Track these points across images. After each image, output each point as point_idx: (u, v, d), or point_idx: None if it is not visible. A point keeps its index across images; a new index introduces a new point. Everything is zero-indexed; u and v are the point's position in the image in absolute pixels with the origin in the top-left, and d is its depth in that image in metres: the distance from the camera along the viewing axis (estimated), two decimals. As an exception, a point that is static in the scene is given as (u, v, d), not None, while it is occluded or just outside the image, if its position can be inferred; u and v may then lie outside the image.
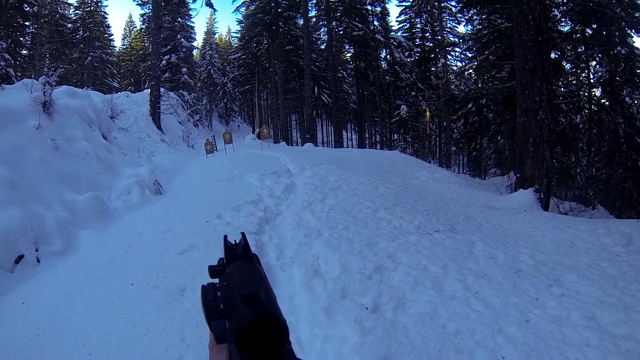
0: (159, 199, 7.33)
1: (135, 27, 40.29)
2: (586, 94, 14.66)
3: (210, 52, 35.91)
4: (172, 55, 28.76)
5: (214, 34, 48.76)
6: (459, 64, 25.03)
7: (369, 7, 26.09)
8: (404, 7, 26.46)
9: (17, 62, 20.77)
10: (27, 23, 22.41)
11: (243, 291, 0.47)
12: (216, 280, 0.54)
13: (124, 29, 43.12)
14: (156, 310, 3.41)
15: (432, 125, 25.62)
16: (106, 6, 39.05)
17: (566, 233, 4.78)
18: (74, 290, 3.87)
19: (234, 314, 0.47)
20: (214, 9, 20.25)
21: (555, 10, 13.55)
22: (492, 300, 3.33)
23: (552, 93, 8.49)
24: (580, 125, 14.88)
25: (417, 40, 26.23)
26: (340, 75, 29.92)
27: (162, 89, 18.08)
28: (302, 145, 21.78)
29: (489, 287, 3.53)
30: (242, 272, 0.54)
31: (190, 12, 30.37)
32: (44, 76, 8.13)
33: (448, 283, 3.64)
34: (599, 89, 14.68)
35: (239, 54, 35.31)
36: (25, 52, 22.79)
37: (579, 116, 14.70)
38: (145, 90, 21.01)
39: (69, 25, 30.17)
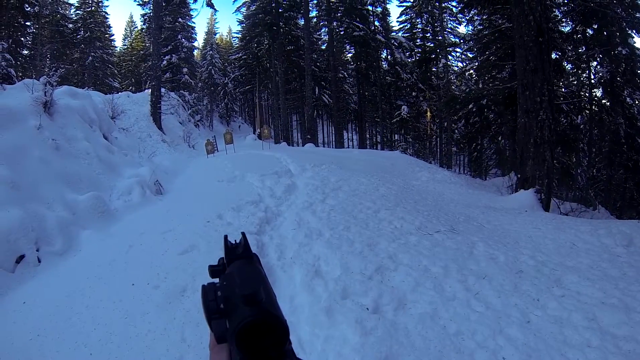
0: (160, 199, 7.34)
1: (136, 27, 40.41)
2: (587, 95, 14.66)
3: (211, 52, 35.94)
4: (173, 55, 28.79)
5: (215, 34, 48.86)
6: (459, 64, 25.08)
7: (370, 8, 26.10)
8: (404, 7, 26.50)
9: (18, 62, 20.79)
10: (28, 23, 22.44)
11: (243, 291, 0.47)
12: (216, 280, 0.54)
13: (125, 29, 43.26)
14: (157, 310, 3.41)
15: (432, 126, 25.62)
16: (107, 6, 39.21)
17: (567, 234, 4.78)
18: (75, 290, 3.88)
19: (234, 313, 0.47)
20: (215, 9, 20.32)
21: (556, 11, 13.56)
22: (493, 301, 3.32)
23: (553, 93, 8.48)
24: (581, 126, 14.88)
25: (418, 40, 26.23)
26: (341, 75, 29.92)
27: (163, 89, 18.09)
28: (302, 145, 21.79)
29: (490, 287, 3.52)
30: (242, 272, 0.54)
31: (191, 13, 30.45)
32: (44, 76, 8.15)
33: (449, 284, 3.64)
34: (600, 89, 14.68)
35: (240, 54, 35.34)
36: (26, 52, 22.82)
37: (579, 117, 14.70)
38: (146, 91, 21.04)
39: (70, 25, 30.23)
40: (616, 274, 3.63)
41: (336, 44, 26.83)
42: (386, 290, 3.54)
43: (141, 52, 36.04)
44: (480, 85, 17.95)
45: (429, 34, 25.86)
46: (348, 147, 27.85)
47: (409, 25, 26.85)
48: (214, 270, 0.59)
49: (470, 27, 19.28)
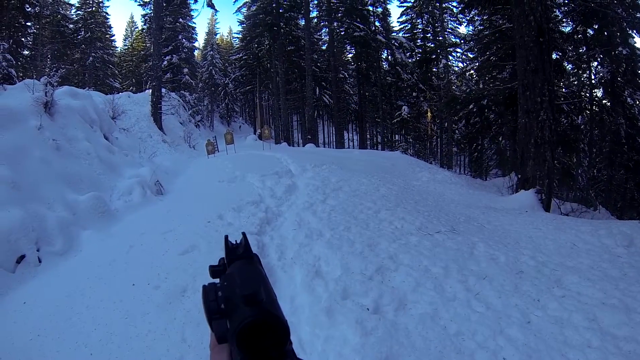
0: (160, 199, 7.34)
1: (137, 27, 40.46)
2: (587, 95, 14.66)
3: (211, 52, 35.99)
4: (174, 55, 28.82)
5: (216, 35, 48.79)
6: (460, 64, 25.03)
7: (370, 8, 26.11)
8: (405, 7, 26.47)
9: (19, 63, 20.79)
10: (28, 24, 22.44)
11: (244, 291, 0.47)
12: (217, 280, 0.54)
13: (126, 29, 43.37)
14: (157, 311, 3.41)
15: (433, 126, 25.61)
16: (108, 7, 39.38)
17: (567, 234, 4.77)
18: (75, 291, 3.88)
19: (234, 313, 0.47)
20: (216, 10, 20.34)
21: (557, 11, 13.56)
22: (493, 302, 3.32)
23: (554, 94, 8.48)
24: (582, 126, 14.88)
25: (419, 41, 26.21)
26: (341, 76, 29.93)
27: (163, 90, 18.11)
28: (303, 145, 21.80)
29: (490, 288, 3.52)
30: (242, 272, 0.54)
31: (192, 13, 30.55)
32: (45, 76, 8.17)
33: (449, 284, 3.64)
34: (601, 89, 14.68)
35: (241, 55, 35.32)
36: (27, 52, 22.81)
37: (580, 117, 14.70)
38: (147, 91, 21.05)
39: (71, 25, 30.29)
40: (617, 274, 3.63)
41: (337, 45, 26.83)
42: (387, 291, 3.54)
43: (142, 52, 36.06)
44: (481, 86, 17.96)
45: (429, 34, 25.84)
46: (348, 148, 27.86)
47: (409, 25, 26.83)
48: (214, 271, 0.59)
49: (471, 27, 19.29)
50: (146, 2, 23.67)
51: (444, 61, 23.59)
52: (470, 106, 14.96)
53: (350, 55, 30.32)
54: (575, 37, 13.90)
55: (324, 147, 27.87)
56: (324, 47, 29.71)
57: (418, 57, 25.10)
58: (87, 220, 5.55)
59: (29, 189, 5.28)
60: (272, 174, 7.78)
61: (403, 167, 11.19)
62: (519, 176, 8.14)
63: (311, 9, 24.35)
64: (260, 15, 27.08)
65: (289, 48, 27.92)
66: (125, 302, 3.57)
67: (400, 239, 4.68)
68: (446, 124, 23.28)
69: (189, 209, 6.25)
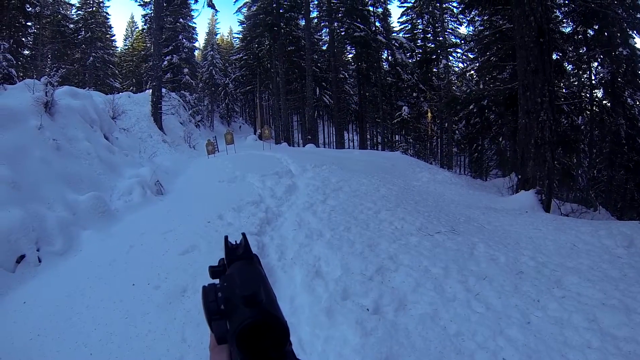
0: (161, 199, 7.34)
1: (137, 27, 40.47)
2: (588, 95, 14.67)
3: (212, 52, 36.00)
4: (174, 55, 28.84)
5: (216, 35, 48.77)
6: (460, 65, 25.07)
7: (371, 8, 26.11)
8: (405, 8, 26.48)
9: (19, 63, 20.81)
10: (29, 23, 22.46)
11: (243, 292, 0.47)
12: (217, 281, 0.54)
13: (126, 29, 43.39)
14: (157, 311, 3.41)
15: (433, 127, 25.61)
16: (108, 7, 39.34)
17: (567, 235, 4.77)
18: (75, 290, 3.88)
19: (234, 314, 0.47)
20: (216, 10, 20.36)
21: (557, 12, 13.56)
22: (493, 302, 3.32)
23: (554, 94, 8.47)
24: (582, 127, 14.87)
25: (419, 41, 26.22)
26: (341, 76, 29.94)
27: (163, 90, 18.12)
28: (303, 146, 21.79)
29: (490, 288, 3.52)
30: (242, 273, 0.54)
31: (192, 13, 30.57)
32: (45, 76, 8.17)
33: (449, 284, 3.64)
34: (601, 90, 14.69)
35: (241, 55, 35.35)
36: (27, 52, 22.83)
37: (580, 117, 14.70)
38: (147, 91, 21.06)
39: (71, 25, 30.31)
40: (617, 275, 3.63)
41: (337, 45, 26.84)
42: (387, 291, 3.54)
43: (142, 52, 36.09)
44: (481, 86, 17.96)
45: (429, 35, 25.84)
46: (349, 148, 27.89)
47: (409, 25, 26.83)
48: (214, 271, 0.59)
49: (471, 27, 19.33)
50: (146, 2, 23.69)
51: (444, 61, 23.60)
52: (471, 106, 14.96)
53: (350, 55, 30.33)
54: (576, 37, 13.90)
55: (324, 147, 27.88)
56: (324, 48, 29.72)
57: (418, 57, 25.11)
58: (87, 220, 5.55)
59: (29, 189, 5.28)
60: (272, 174, 7.78)
61: (403, 167, 11.19)
62: (519, 177, 8.14)
63: (311, 9, 24.39)
64: (261, 16, 27.09)
65: (289, 48, 27.92)
66: (125, 302, 3.57)
67: (401, 240, 4.68)
68: (446, 125, 23.28)
69: (189, 209, 6.25)
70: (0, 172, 5.08)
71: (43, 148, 6.24)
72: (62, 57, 27.64)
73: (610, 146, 14.03)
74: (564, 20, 13.90)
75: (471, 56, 20.24)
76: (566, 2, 13.40)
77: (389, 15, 28.20)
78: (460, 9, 18.15)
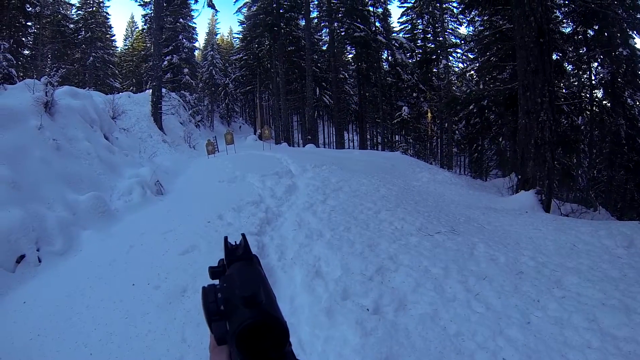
0: (161, 199, 7.34)
1: (137, 27, 40.50)
2: (588, 96, 14.67)
3: (212, 52, 36.00)
4: (174, 55, 28.84)
5: (216, 35, 48.76)
6: (460, 65, 25.09)
7: (371, 9, 26.12)
8: (405, 8, 26.49)
9: (19, 62, 20.82)
10: (29, 23, 22.48)
11: (243, 292, 0.47)
12: (217, 282, 0.54)
13: (126, 29, 43.42)
14: (157, 311, 3.41)
15: (433, 127, 25.61)
16: (108, 7, 39.34)
17: (567, 235, 4.77)
18: (75, 290, 3.88)
19: (234, 315, 0.47)
20: (216, 10, 20.35)
21: (557, 12, 13.56)
22: (493, 302, 3.32)
23: (554, 94, 8.47)
24: (582, 127, 14.87)
25: (419, 41, 26.22)
26: (341, 76, 29.94)
27: (163, 90, 18.11)
28: (303, 146, 21.79)
29: (490, 288, 3.52)
30: (242, 274, 0.54)
31: (192, 13, 30.57)
32: (45, 76, 8.17)
33: (449, 284, 3.63)
34: (601, 90, 14.70)
35: (241, 55, 35.34)
36: (27, 52, 22.84)
37: (580, 118, 14.69)
38: (147, 91, 21.07)
39: (71, 25, 30.31)
40: (617, 275, 3.63)
41: (337, 45, 26.84)
42: (387, 291, 3.54)
43: (142, 52, 36.09)
44: (481, 86, 17.96)
45: (429, 35, 25.85)
46: (349, 148, 27.90)
47: (409, 26, 26.84)
48: (214, 272, 0.59)
49: (471, 28, 19.35)
50: (146, 2, 23.68)
51: (444, 62, 23.60)
52: (471, 107, 14.96)
53: (350, 55, 30.35)
54: (576, 37, 13.91)
55: (324, 147, 27.87)
56: (324, 48, 29.71)
57: (418, 57, 25.13)
58: (87, 220, 5.55)
59: (29, 189, 5.28)
60: (272, 174, 7.77)
61: (403, 167, 11.18)
62: (519, 177, 8.14)
63: (311, 9, 24.40)
64: (261, 16, 27.10)
65: (289, 48, 27.93)
66: (125, 302, 3.57)
67: (401, 240, 4.68)
68: (446, 125, 23.28)
69: (189, 209, 6.25)
70: (0, 172, 5.08)
71: (43, 148, 6.24)
72: (62, 57, 27.64)
73: (610, 146, 14.04)
74: (564, 21, 13.91)
75: (471, 56, 20.27)
76: (566, 2, 13.40)
77: (389, 15, 28.26)
78: (460, 9, 18.16)
